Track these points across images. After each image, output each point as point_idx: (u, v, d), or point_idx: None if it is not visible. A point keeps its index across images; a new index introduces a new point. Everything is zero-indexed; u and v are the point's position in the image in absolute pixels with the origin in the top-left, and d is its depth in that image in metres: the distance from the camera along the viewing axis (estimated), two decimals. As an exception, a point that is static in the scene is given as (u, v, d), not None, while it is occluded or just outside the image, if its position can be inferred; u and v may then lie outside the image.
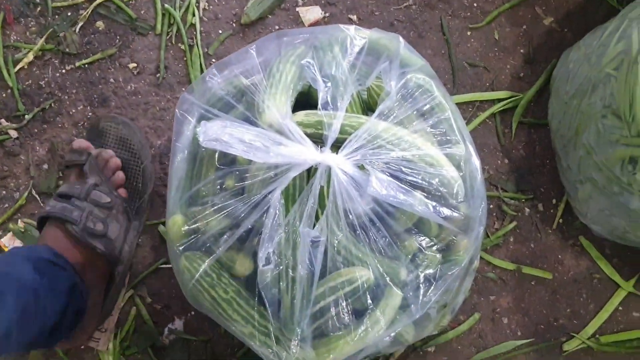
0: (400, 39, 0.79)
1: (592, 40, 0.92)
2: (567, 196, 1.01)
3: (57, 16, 1.09)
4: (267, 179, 0.72)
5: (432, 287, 0.76)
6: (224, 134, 0.68)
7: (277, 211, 0.71)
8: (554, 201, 1.03)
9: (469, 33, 1.08)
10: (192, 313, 0.98)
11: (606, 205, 0.88)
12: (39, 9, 1.09)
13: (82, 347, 0.96)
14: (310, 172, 0.73)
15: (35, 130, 1.04)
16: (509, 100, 1.05)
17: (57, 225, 0.85)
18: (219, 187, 0.78)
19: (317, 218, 0.72)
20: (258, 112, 0.75)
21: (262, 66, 0.79)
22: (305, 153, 0.69)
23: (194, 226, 0.77)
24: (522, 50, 1.08)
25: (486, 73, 1.07)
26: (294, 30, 0.82)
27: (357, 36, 0.79)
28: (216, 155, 0.79)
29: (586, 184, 0.90)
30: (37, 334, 0.76)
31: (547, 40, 1.08)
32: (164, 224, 0.99)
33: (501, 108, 1.04)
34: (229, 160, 0.78)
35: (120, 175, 0.93)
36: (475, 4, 1.09)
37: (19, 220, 1.00)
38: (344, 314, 0.74)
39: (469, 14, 1.08)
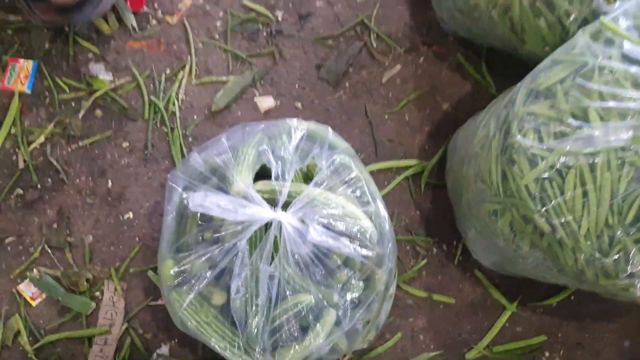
0: (329, 129, 1.10)
1: (470, 124, 1.26)
2: (463, 238, 1.32)
3: (63, 106, 1.37)
4: (236, 232, 1.00)
5: (357, 307, 1.04)
6: (206, 201, 0.96)
7: (244, 254, 0.99)
8: (454, 242, 1.34)
9: (386, 116, 1.41)
10: (176, 340, 1.23)
11: (486, 245, 1.20)
12: (47, 100, 1.37)
13: None
14: (267, 225, 1.01)
15: (47, 197, 1.30)
16: (418, 166, 1.37)
17: None
18: (200, 238, 1.05)
19: (272, 258, 1.00)
20: (229, 184, 1.03)
21: (230, 149, 1.08)
22: (263, 212, 0.98)
23: (181, 268, 1.04)
24: (427, 129, 1.41)
25: (400, 146, 1.40)
26: (254, 123, 1.12)
27: (299, 127, 1.10)
28: (198, 215, 1.07)
29: (471, 229, 1.22)
30: None
31: (445, 121, 1.42)
32: (152, 269, 1.25)
33: (412, 173, 1.36)
34: (207, 218, 1.06)
35: None
36: (390, 94, 1.43)
37: (34, 270, 1.24)
38: (293, 329, 1.01)
39: (386, 101, 1.42)
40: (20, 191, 1.29)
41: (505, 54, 1.33)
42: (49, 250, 1.26)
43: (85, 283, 1.21)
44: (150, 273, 1.25)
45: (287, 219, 0.98)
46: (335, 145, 1.11)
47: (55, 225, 1.28)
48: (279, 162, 1.04)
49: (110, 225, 1.28)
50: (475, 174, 1.13)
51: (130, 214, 1.29)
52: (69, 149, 1.33)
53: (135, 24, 1.41)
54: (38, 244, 1.26)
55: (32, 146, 1.32)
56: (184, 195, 1.06)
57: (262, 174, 1.09)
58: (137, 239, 1.28)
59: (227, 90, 1.39)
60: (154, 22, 1.42)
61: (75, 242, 1.27)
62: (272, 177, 1.03)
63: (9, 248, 1.26)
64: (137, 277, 1.25)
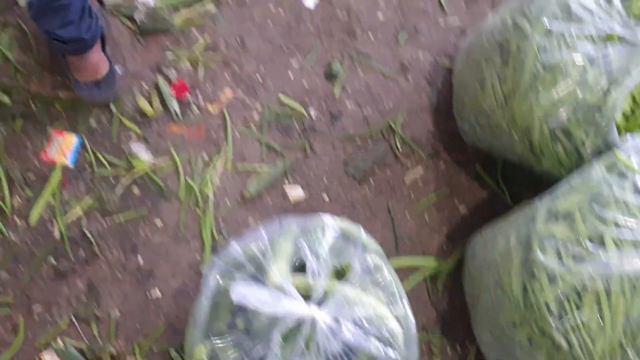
0: (362, 229, 1.18)
1: (488, 232, 1.34)
2: (477, 340, 1.37)
3: (102, 182, 1.43)
4: (271, 324, 1.05)
5: (381, 407, 1.08)
6: (248, 293, 1.02)
7: (277, 347, 1.03)
8: (467, 344, 1.39)
9: (407, 214, 1.50)
10: None
11: (501, 351, 1.25)
12: (88, 174, 1.44)
13: None
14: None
15: (78, 269, 1.34)
16: (435, 267, 1.44)
17: None
18: (233, 325, 1.10)
19: (303, 353, 1.04)
20: (266, 274, 1.09)
21: (269, 241, 1.15)
22: (299, 308, 1.03)
23: (213, 355, 1.07)
24: (445, 229, 1.50)
25: (420, 244, 1.47)
26: (290, 216, 1.19)
27: (333, 225, 1.18)
28: (233, 303, 1.12)
29: (487, 334, 1.27)
30: None
31: (462, 223, 1.51)
32: (175, 350, 1.27)
33: (430, 273, 1.43)
34: (242, 307, 1.11)
35: None
36: (412, 194, 1.52)
37: (59, 340, 1.26)
38: None
39: (407, 200, 1.51)
40: (53, 261, 1.33)
41: (521, 168, 1.44)
42: (76, 322, 1.28)
43: (109, 358, 1.23)
44: (174, 353, 1.27)
45: (321, 316, 1.03)
46: (367, 246, 1.17)
47: (84, 298, 1.31)
48: (314, 259, 1.11)
49: (137, 301, 1.32)
50: (494, 281, 1.20)
51: (158, 292, 1.33)
52: (104, 224, 1.39)
53: (178, 110, 1.51)
54: (65, 314, 1.29)
55: (69, 218, 1.38)
56: (221, 282, 1.11)
57: (294, 264, 1.15)
58: (162, 317, 1.31)
59: (260, 178, 1.47)
60: (195, 109, 1.52)
61: (102, 315, 1.30)
62: (307, 272, 1.09)
63: (36, 316, 1.29)
64: (159, 356, 1.28)
